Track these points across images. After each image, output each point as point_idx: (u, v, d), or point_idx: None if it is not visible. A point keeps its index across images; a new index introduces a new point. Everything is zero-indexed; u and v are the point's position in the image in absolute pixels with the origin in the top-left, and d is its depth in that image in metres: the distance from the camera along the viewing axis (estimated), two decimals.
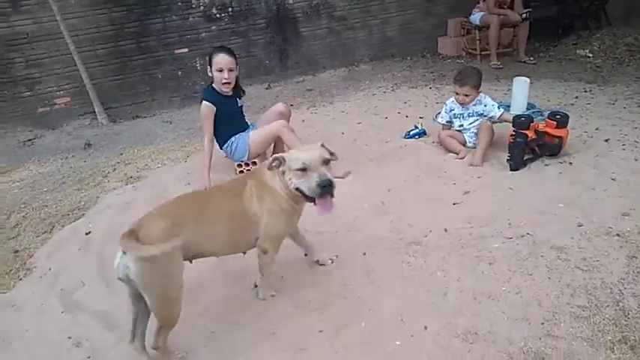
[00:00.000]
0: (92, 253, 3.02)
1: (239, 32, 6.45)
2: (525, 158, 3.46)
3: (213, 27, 6.29)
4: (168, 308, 1.98)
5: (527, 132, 3.38)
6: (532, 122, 3.44)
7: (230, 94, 3.73)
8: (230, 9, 6.31)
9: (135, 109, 6.11)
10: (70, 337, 2.35)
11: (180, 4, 6.03)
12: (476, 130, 3.77)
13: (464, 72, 3.86)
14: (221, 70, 3.57)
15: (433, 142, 4.07)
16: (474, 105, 3.77)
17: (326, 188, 2.07)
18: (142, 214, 3.32)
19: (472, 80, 3.73)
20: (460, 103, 3.82)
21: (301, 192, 2.14)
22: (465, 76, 3.78)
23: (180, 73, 6.29)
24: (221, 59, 3.57)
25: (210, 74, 3.67)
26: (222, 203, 2.23)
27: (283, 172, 2.19)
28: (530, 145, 3.43)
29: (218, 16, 6.28)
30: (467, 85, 3.73)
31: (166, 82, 6.25)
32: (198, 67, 6.32)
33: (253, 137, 3.76)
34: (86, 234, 3.26)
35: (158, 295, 1.93)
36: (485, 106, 3.76)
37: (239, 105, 3.87)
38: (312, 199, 2.13)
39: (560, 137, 3.42)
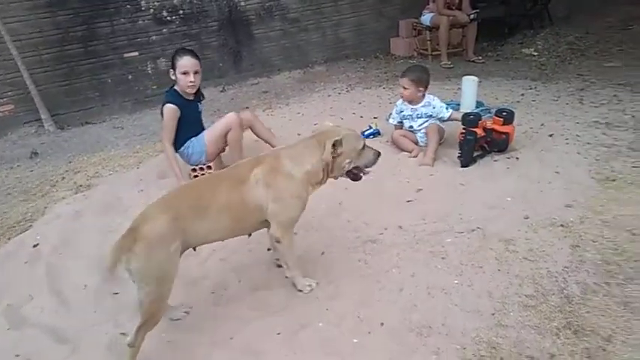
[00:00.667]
0: (40, 266, 2.91)
1: (191, 35, 6.36)
2: (475, 155, 3.57)
3: (164, 30, 6.17)
4: (157, 304, 1.97)
5: (476, 129, 3.49)
6: (480, 120, 3.56)
7: (192, 98, 3.67)
8: (181, 11, 6.21)
9: (84, 115, 5.91)
10: (18, 355, 2.25)
11: (128, 6, 5.88)
12: (426, 131, 3.85)
13: (410, 67, 4.01)
14: (186, 73, 3.50)
15: (387, 142, 4.13)
16: (422, 106, 3.85)
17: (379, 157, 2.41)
18: (94, 223, 3.31)
19: (412, 74, 3.81)
20: (402, 99, 3.90)
21: (357, 169, 2.37)
22: (407, 70, 3.90)
23: (130, 77, 6.13)
24: (187, 62, 3.50)
25: (173, 77, 3.58)
26: (222, 192, 2.17)
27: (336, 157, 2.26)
28: (480, 142, 3.55)
29: (169, 18, 6.17)
30: (405, 77, 3.82)
31: (116, 86, 6.08)
32: (150, 71, 6.18)
33: (208, 135, 3.70)
34: (34, 246, 3.13)
35: (151, 287, 1.92)
36: (433, 107, 3.84)
37: (199, 110, 3.81)
38: (357, 176, 2.40)
39: (506, 133, 3.55)
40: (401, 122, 4.02)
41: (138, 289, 1.93)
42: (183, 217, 2.02)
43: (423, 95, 3.85)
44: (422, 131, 3.87)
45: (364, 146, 2.35)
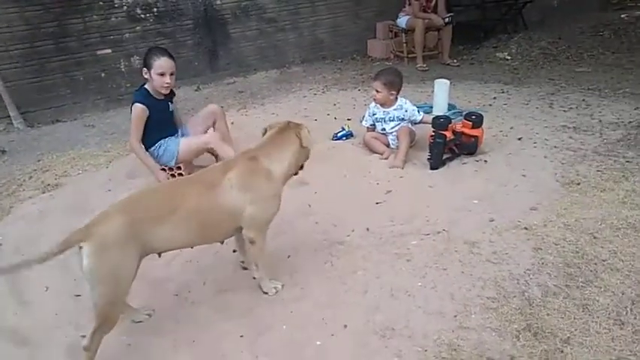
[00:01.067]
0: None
1: (165, 33, 6.28)
2: (445, 157, 3.61)
3: (138, 27, 6.09)
4: (111, 306, 1.92)
5: (445, 132, 3.52)
6: (450, 123, 3.59)
7: (162, 97, 3.63)
8: (155, 9, 6.13)
9: (55, 113, 5.79)
10: None
11: (101, 3, 5.78)
12: (397, 134, 3.87)
13: (382, 69, 4.01)
14: (163, 75, 3.46)
15: (360, 143, 4.15)
16: (394, 109, 3.87)
17: None
18: (58, 223, 3.25)
19: (384, 77, 3.83)
20: (375, 101, 3.91)
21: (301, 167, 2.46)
22: (379, 73, 3.91)
23: (103, 74, 6.03)
24: (164, 63, 3.44)
25: (146, 76, 3.52)
26: (190, 197, 2.11)
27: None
28: (449, 144, 3.58)
29: (143, 16, 6.08)
30: (377, 80, 3.84)
31: (88, 84, 5.97)
32: (123, 69, 6.09)
33: (184, 145, 3.66)
34: None
35: (104, 289, 1.88)
36: (405, 111, 3.86)
37: (170, 109, 3.77)
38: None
39: (476, 137, 3.60)
40: (373, 124, 4.03)
41: (90, 290, 1.89)
42: (141, 221, 1.97)
43: (396, 98, 3.87)
44: (393, 134, 3.89)
45: None
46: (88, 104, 5.98)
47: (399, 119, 3.87)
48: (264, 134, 2.42)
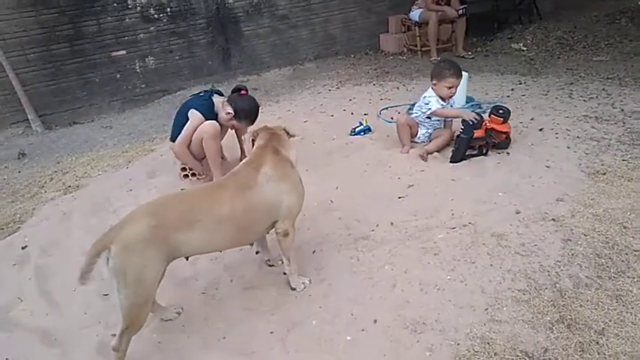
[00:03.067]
0: (29, 268, 2.87)
1: (179, 33, 6.30)
2: (468, 154, 3.56)
3: (152, 28, 6.11)
4: (137, 307, 1.93)
5: (475, 131, 3.45)
6: (482, 122, 3.49)
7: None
8: (168, 9, 6.16)
9: (72, 115, 5.85)
10: (7, 359, 2.22)
11: (115, 4, 5.82)
12: (432, 130, 3.84)
13: (453, 63, 3.75)
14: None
15: (378, 138, 4.12)
16: (446, 104, 3.74)
17: None
18: (82, 224, 3.27)
19: (460, 70, 3.72)
20: (445, 98, 3.71)
21: None
22: (459, 68, 3.70)
23: (118, 75, 6.07)
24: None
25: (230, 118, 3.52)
26: (224, 202, 2.10)
27: None
28: (477, 142, 3.52)
29: (156, 16, 6.11)
30: (461, 78, 3.72)
31: (104, 85, 6.02)
32: (138, 69, 6.12)
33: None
34: (22, 248, 3.09)
35: (129, 291, 1.88)
36: (451, 106, 3.80)
37: None
38: None
39: (507, 132, 3.55)
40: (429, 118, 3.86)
41: (117, 292, 1.89)
42: (167, 226, 1.96)
43: None
44: (428, 129, 3.85)
45: None
46: (104, 105, 6.04)
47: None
48: (253, 141, 2.46)
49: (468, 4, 6.79)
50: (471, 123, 3.46)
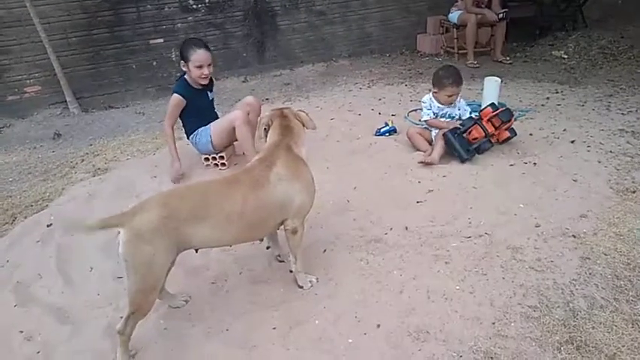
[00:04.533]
0: (51, 246, 2.97)
1: (216, 24, 6.38)
2: (472, 147, 3.56)
3: (190, 18, 6.21)
4: (143, 293, 1.96)
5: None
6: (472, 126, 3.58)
7: (201, 87, 3.69)
8: (207, 0, 6.24)
9: (108, 100, 6.01)
10: (21, 331, 2.31)
11: None
12: (436, 135, 3.80)
13: (452, 71, 3.78)
14: (201, 67, 3.53)
15: (403, 140, 4.06)
16: (450, 108, 3.80)
17: None
18: (105, 206, 3.37)
19: (460, 79, 3.75)
20: (445, 104, 3.80)
21: None
22: (454, 76, 3.73)
23: (154, 63, 6.20)
24: (202, 56, 3.52)
25: (184, 68, 3.61)
26: (236, 199, 2.11)
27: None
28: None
29: (195, 6, 6.20)
30: (460, 85, 3.75)
31: (140, 72, 6.15)
32: (174, 58, 6.23)
33: (214, 128, 3.73)
34: (47, 226, 3.20)
35: (136, 277, 1.92)
36: (459, 109, 3.80)
37: (210, 98, 3.84)
38: None
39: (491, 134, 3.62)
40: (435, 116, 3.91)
41: (126, 277, 1.93)
42: (178, 218, 1.98)
43: None
44: (436, 131, 3.81)
45: None
46: (139, 92, 6.18)
47: (450, 117, 3.80)
48: (266, 130, 2.44)
49: (510, 8, 6.62)
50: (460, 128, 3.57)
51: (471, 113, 3.82)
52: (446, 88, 3.71)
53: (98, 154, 4.45)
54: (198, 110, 3.73)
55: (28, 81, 5.62)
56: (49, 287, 2.62)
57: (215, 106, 4.01)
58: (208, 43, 3.79)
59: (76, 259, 2.84)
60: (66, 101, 5.68)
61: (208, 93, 3.81)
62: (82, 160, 4.35)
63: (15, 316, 2.42)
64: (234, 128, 3.63)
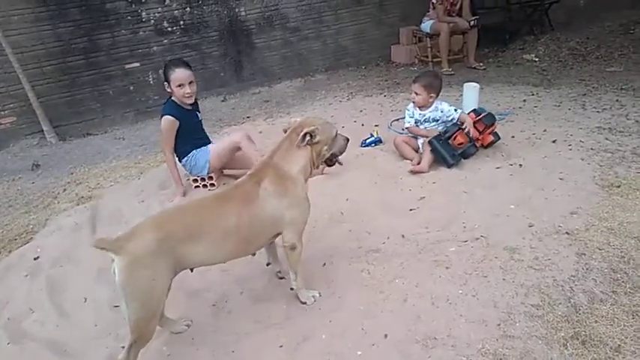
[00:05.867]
0: (41, 279, 2.89)
1: (192, 45, 6.37)
2: (459, 152, 3.63)
3: (165, 40, 6.19)
4: (145, 321, 1.92)
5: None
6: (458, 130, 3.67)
7: (190, 107, 3.67)
8: (182, 22, 6.23)
9: (85, 127, 5.92)
10: None
11: (129, 18, 5.90)
12: (422, 143, 3.85)
13: (422, 72, 4.02)
14: (182, 85, 3.52)
15: (389, 150, 4.10)
16: (430, 111, 3.84)
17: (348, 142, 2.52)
18: (94, 234, 3.29)
19: (423, 80, 3.81)
20: (414, 104, 3.88)
21: (332, 156, 2.45)
22: (419, 75, 3.91)
23: (132, 87, 6.14)
24: (181, 74, 3.51)
25: (168, 90, 3.59)
26: (229, 215, 2.11)
27: (313, 144, 2.31)
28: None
29: (169, 29, 6.18)
30: (417, 83, 3.81)
31: (118, 97, 6.08)
32: (151, 82, 6.19)
33: (213, 151, 3.72)
34: (34, 259, 3.12)
35: (136, 305, 1.88)
36: (441, 111, 3.83)
37: (199, 118, 3.82)
38: (332, 162, 2.51)
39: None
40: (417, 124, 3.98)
41: (125, 305, 1.89)
42: (173, 238, 1.96)
43: (434, 101, 3.85)
44: (423, 139, 3.85)
45: (337, 133, 2.44)
46: (118, 117, 6.10)
47: (435, 120, 3.84)
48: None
49: (480, 15, 6.78)
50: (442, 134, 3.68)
51: (455, 110, 3.85)
52: (412, 88, 3.88)
53: (80, 183, 4.36)
54: (189, 131, 3.69)
55: (2, 112, 5.50)
56: (43, 321, 2.54)
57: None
58: None
59: (68, 291, 2.77)
60: (43, 131, 5.57)
61: (197, 113, 3.79)
62: (64, 190, 4.26)
63: (9, 355, 2.34)
64: (234, 150, 3.71)
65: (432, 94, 3.81)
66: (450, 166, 3.58)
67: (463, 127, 3.66)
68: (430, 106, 3.85)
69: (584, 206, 2.92)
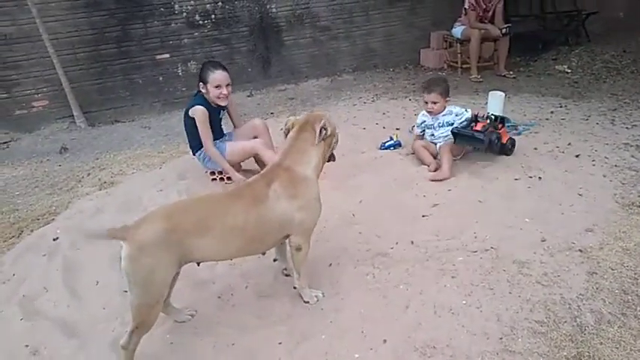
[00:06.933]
0: (58, 259, 2.98)
1: (222, 39, 6.46)
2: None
3: (196, 33, 6.29)
4: (147, 307, 1.96)
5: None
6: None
7: (215, 105, 3.74)
8: (213, 16, 6.32)
9: (114, 114, 6.08)
10: (27, 345, 2.31)
11: (162, 9, 6.02)
12: (439, 150, 3.82)
13: (431, 80, 3.97)
14: (219, 86, 3.59)
15: (407, 154, 4.09)
16: (443, 115, 3.83)
17: None
18: (112, 220, 3.38)
19: (439, 87, 3.80)
20: (429, 112, 3.87)
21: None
22: (431, 84, 3.87)
23: (161, 78, 6.27)
24: (220, 76, 3.60)
25: (202, 90, 3.65)
26: (236, 212, 2.12)
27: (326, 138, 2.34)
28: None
29: (201, 22, 6.28)
30: (434, 92, 3.79)
31: (147, 87, 6.22)
32: (180, 73, 6.31)
33: (231, 149, 3.76)
34: (54, 239, 3.22)
35: (139, 291, 1.92)
36: (456, 115, 3.81)
37: (220, 116, 3.88)
38: (331, 157, 2.52)
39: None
40: (423, 132, 4.00)
41: (129, 291, 1.94)
42: (182, 231, 1.98)
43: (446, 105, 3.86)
44: (442, 141, 3.83)
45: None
46: (146, 106, 6.24)
47: (449, 124, 3.81)
48: (286, 134, 2.44)
49: (514, 23, 6.68)
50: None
51: (466, 110, 3.87)
52: (423, 95, 3.89)
53: (104, 168, 4.48)
54: (210, 127, 3.74)
55: (35, 95, 5.70)
56: (55, 301, 2.62)
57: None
58: (214, 58, 3.90)
59: (83, 273, 2.85)
60: (73, 115, 5.74)
61: (220, 111, 3.85)
62: (89, 174, 4.38)
63: (20, 330, 2.42)
64: (249, 154, 3.81)
65: (448, 99, 3.85)
66: (484, 146, 3.56)
67: (479, 115, 3.69)
68: (443, 110, 3.84)
69: (601, 224, 2.85)
